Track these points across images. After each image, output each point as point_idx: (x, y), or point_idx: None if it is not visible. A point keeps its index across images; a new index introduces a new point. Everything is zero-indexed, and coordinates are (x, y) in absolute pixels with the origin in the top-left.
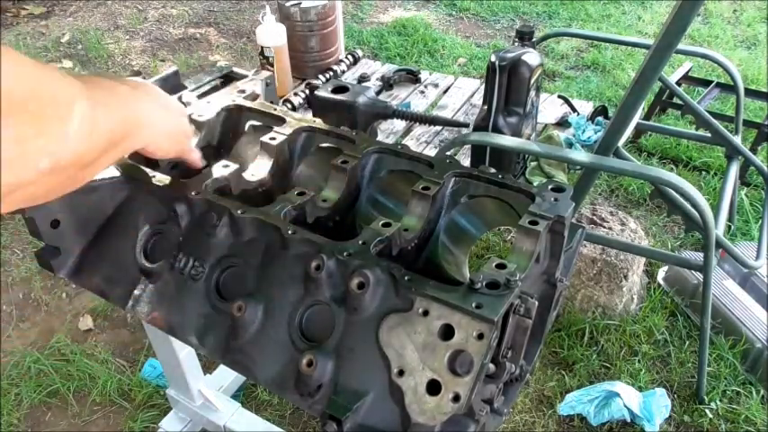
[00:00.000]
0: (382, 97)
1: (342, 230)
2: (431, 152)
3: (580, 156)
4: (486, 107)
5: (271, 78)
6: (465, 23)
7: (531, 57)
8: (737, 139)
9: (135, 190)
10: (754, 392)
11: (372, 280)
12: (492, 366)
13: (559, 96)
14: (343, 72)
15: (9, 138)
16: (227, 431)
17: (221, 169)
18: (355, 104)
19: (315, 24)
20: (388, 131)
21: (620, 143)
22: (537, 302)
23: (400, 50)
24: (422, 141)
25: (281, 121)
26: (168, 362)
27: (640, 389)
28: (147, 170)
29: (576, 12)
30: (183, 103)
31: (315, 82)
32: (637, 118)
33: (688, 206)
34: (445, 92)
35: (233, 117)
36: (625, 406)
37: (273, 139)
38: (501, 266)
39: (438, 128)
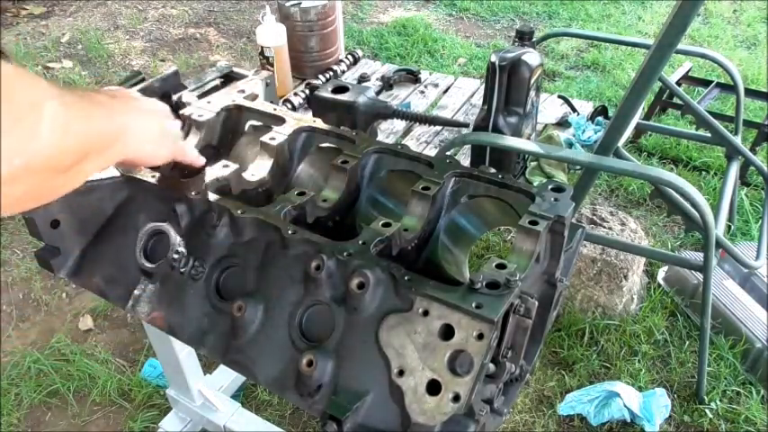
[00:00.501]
0: (382, 97)
1: (342, 230)
2: (431, 152)
3: (580, 156)
4: (486, 107)
5: (271, 78)
6: (465, 23)
7: (531, 57)
8: (737, 139)
9: (135, 190)
10: (754, 392)
11: (372, 280)
12: (492, 366)
13: (559, 96)
14: (343, 72)
15: None
16: (227, 431)
17: (221, 169)
18: (355, 104)
19: (315, 24)
20: (388, 131)
21: (620, 143)
22: (537, 302)
23: (400, 50)
24: (422, 141)
25: (281, 121)
26: (168, 362)
27: (640, 389)
28: (147, 170)
29: (576, 12)
30: (182, 103)
31: (315, 82)
32: (637, 118)
33: (688, 206)
34: (445, 92)
35: (233, 117)
36: (625, 406)
37: (273, 139)
38: (501, 266)
39: (438, 128)
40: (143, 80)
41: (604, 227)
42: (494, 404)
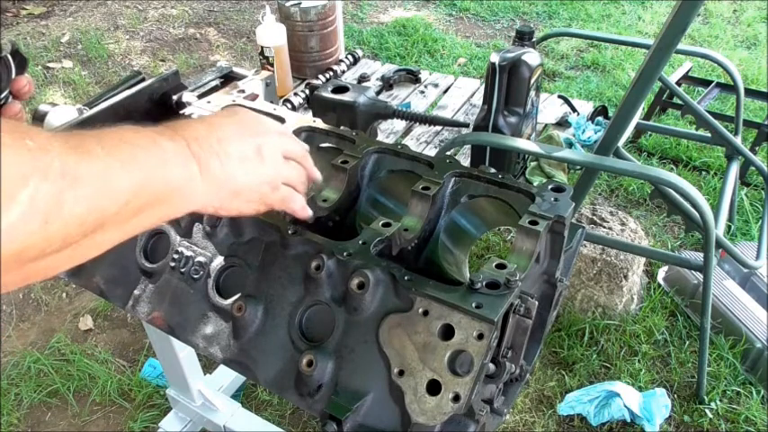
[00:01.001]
0: (382, 97)
1: (342, 230)
2: (431, 152)
3: (580, 156)
4: (486, 107)
5: (271, 78)
6: (465, 23)
7: (531, 57)
8: (737, 139)
9: None
10: (754, 392)
11: (372, 280)
12: (492, 366)
13: (559, 96)
14: (343, 72)
15: None
16: (227, 431)
17: None
18: (355, 104)
19: (315, 24)
20: (388, 131)
21: (620, 143)
22: (537, 302)
23: (400, 50)
24: (422, 141)
25: (280, 121)
26: (168, 362)
27: (640, 389)
28: None
29: (576, 12)
30: (182, 103)
31: (315, 82)
32: (637, 118)
33: (688, 206)
34: (445, 92)
35: None
36: (625, 406)
37: None
38: (501, 266)
39: (438, 128)
40: (143, 80)
41: (604, 227)
42: (494, 404)
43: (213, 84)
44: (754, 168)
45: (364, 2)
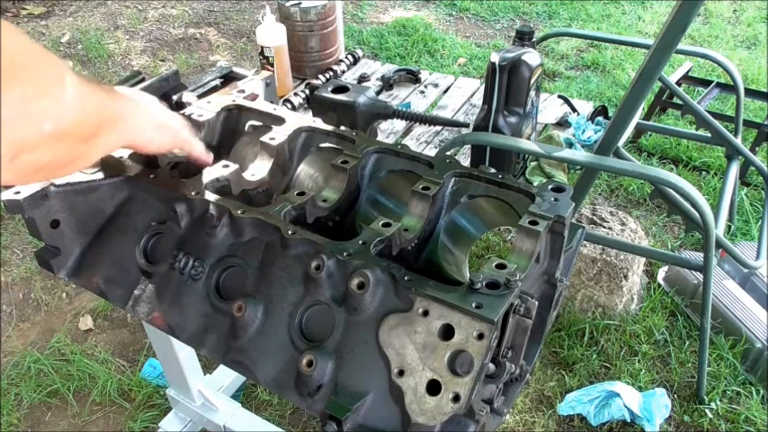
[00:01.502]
0: (382, 97)
1: (342, 230)
2: (431, 152)
3: (580, 156)
4: (486, 107)
5: (271, 78)
6: (465, 23)
7: (531, 57)
8: (737, 139)
9: (135, 190)
10: (754, 392)
11: (372, 280)
12: (492, 366)
13: (559, 96)
14: (343, 72)
15: (14, 98)
16: (227, 431)
17: (221, 169)
18: (355, 104)
19: (315, 24)
20: (388, 131)
21: (620, 143)
22: (537, 302)
23: (400, 50)
24: (422, 141)
25: (280, 121)
26: (168, 362)
27: (640, 389)
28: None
29: (576, 12)
30: (183, 103)
31: (315, 82)
32: (637, 118)
33: (688, 206)
34: (445, 92)
35: (233, 117)
36: (625, 406)
37: (273, 139)
38: (501, 266)
39: (438, 128)
40: (143, 80)
41: (604, 227)
42: (494, 404)
43: (213, 84)
44: (754, 168)
45: (364, 2)
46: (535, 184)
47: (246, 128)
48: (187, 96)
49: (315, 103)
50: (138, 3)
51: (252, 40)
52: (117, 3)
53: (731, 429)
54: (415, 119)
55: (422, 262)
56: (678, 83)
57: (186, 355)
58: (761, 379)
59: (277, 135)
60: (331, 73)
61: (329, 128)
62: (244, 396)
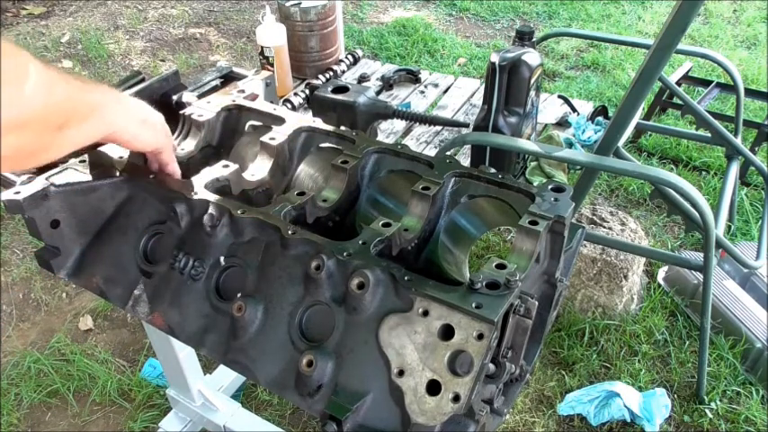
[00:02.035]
0: (382, 97)
1: (342, 230)
2: (431, 152)
3: (580, 156)
4: (486, 107)
5: (271, 78)
6: (465, 23)
7: (531, 57)
8: (737, 139)
9: (135, 190)
10: (754, 392)
11: (372, 280)
12: (492, 366)
13: (559, 96)
14: (343, 72)
15: None
16: (227, 431)
17: (221, 169)
18: (355, 104)
19: (315, 24)
20: (388, 131)
21: (620, 143)
22: (537, 302)
23: (400, 50)
24: (422, 141)
25: (281, 121)
26: (168, 362)
27: (640, 389)
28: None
29: (576, 12)
30: (182, 103)
31: (315, 82)
32: (637, 118)
33: (688, 206)
34: (445, 92)
35: (233, 117)
36: (625, 406)
37: (273, 139)
38: (501, 266)
39: (438, 128)
40: (143, 80)
41: (604, 227)
42: (494, 404)
43: (213, 84)
44: (754, 168)
45: (364, 2)
46: (535, 184)
47: (246, 128)
48: (187, 96)
49: (315, 103)
50: (138, 3)
51: (252, 40)
52: (117, 3)
53: (731, 429)
54: (415, 119)
55: (422, 262)
56: (678, 83)
57: (186, 355)
58: (761, 379)
59: (277, 135)
60: (331, 73)
61: (329, 128)
62: (244, 396)
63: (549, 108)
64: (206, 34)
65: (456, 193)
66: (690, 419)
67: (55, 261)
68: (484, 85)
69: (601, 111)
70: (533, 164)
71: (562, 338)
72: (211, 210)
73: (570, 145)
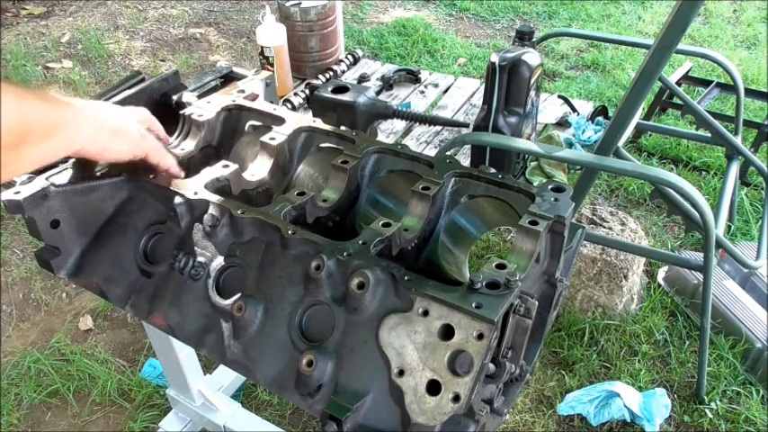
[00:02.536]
0: (382, 97)
1: (342, 230)
2: (431, 152)
3: (580, 156)
4: (486, 107)
5: (271, 78)
6: (465, 23)
7: (531, 57)
8: (737, 139)
9: (135, 190)
10: (754, 392)
11: (372, 280)
12: (492, 366)
13: (559, 96)
14: (343, 72)
15: None
16: (227, 431)
17: (221, 169)
18: (355, 104)
19: (315, 24)
20: (388, 131)
21: (620, 143)
22: (537, 302)
23: (400, 50)
24: (422, 141)
25: (281, 121)
26: (168, 362)
27: (640, 389)
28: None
29: (576, 12)
30: (182, 103)
31: (315, 82)
32: (637, 118)
33: (688, 206)
34: (445, 92)
35: (233, 117)
36: (625, 406)
37: (273, 139)
38: (501, 266)
39: (438, 128)
40: (143, 80)
41: (604, 227)
42: (494, 404)
43: (213, 84)
44: (754, 168)
45: (364, 2)
46: (535, 184)
47: (246, 128)
48: (187, 96)
49: (315, 103)
50: (138, 3)
51: (252, 40)
52: (117, 3)
53: (731, 429)
54: (415, 119)
55: (422, 262)
56: (678, 83)
57: (186, 355)
58: (761, 379)
59: (277, 135)
60: (331, 73)
61: (329, 128)
62: (244, 396)
63: (549, 108)
64: (206, 34)
65: (456, 193)
66: (690, 419)
67: (55, 261)
68: (484, 85)
69: (601, 111)
70: (533, 164)
71: (562, 338)
72: (211, 210)
73: (570, 145)
